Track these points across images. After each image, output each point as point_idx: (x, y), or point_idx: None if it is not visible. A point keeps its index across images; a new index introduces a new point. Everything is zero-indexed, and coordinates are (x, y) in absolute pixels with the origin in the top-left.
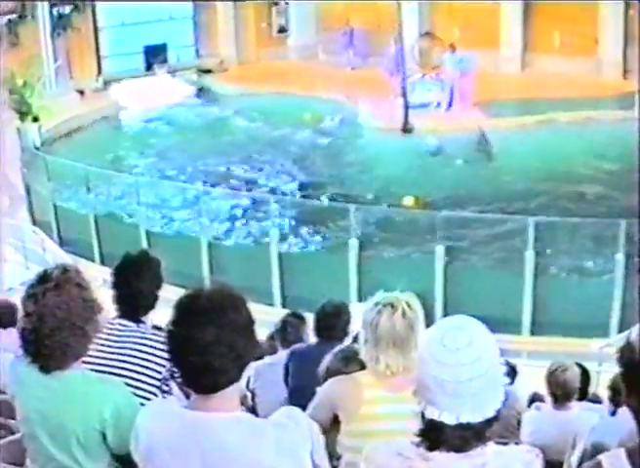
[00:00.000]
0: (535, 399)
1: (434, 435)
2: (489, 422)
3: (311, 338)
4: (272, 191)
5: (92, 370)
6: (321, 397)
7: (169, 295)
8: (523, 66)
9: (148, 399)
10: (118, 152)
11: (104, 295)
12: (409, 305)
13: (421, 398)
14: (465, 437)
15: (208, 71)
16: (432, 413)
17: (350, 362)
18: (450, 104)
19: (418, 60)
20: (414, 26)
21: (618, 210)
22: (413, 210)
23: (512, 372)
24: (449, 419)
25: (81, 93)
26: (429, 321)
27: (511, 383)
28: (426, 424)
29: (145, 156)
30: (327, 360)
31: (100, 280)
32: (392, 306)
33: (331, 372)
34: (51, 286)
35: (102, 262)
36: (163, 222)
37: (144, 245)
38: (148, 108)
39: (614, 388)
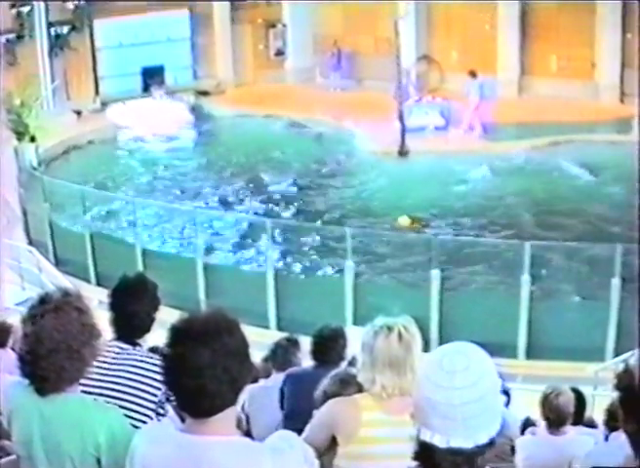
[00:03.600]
0: (528, 424)
1: (426, 457)
2: (481, 449)
3: (304, 362)
4: (268, 214)
5: (88, 392)
6: (320, 418)
7: (164, 317)
8: (520, 90)
9: (144, 422)
10: (115, 173)
11: (99, 316)
12: (405, 328)
13: (416, 419)
14: (456, 462)
15: (205, 93)
16: (425, 435)
17: (348, 385)
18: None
19: (415, 84)
20: (411, 50)
21: (615, 233)
22: (409, 232)
23: (507, 397)
24: (440, 442)
25: (78, 113)
26: (425, 345)
27: (506, 407)
28: (420, 446)
29: (142, 177)
30: (324, 383)
31: (95, 301)
32: (389, 328)
33: (328, 396)
34: (50, 308)
35: (98, 283)
36: (159, 243)
37: (140, 266)
38: (145, 130)
39: (610, 412)
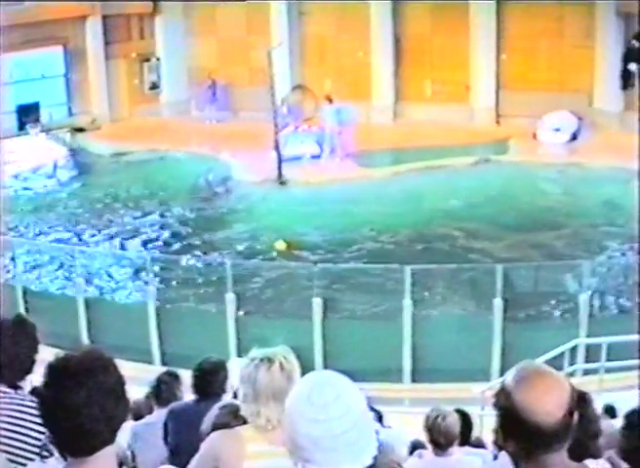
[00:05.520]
0: (417, 446)
1: None
2: None
3: (186, 396)
4: (147, 248)
5: None
6: (203, 452)
7: (48, 357)
8: (395, 116)
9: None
10: None
11: None
12: (286, 358)
13: (297, 458)
14: None
15: (81, 130)
16: None
17: (237, 416)
18: (330, 153)
19: (290, 113)
20: (286, 79)
21: (495, 254)
22: (288, 261)
23: (375, 413)
24: None
25: None
26: None
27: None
28: None
29: (19, 216)
30: (213, 415)
31: None
32: (269, 360)
33: (218, 427)
34: None
35: None
36: (38, 282)
37: (21, 305)
38: (20, 169)
39: (497, 432)
